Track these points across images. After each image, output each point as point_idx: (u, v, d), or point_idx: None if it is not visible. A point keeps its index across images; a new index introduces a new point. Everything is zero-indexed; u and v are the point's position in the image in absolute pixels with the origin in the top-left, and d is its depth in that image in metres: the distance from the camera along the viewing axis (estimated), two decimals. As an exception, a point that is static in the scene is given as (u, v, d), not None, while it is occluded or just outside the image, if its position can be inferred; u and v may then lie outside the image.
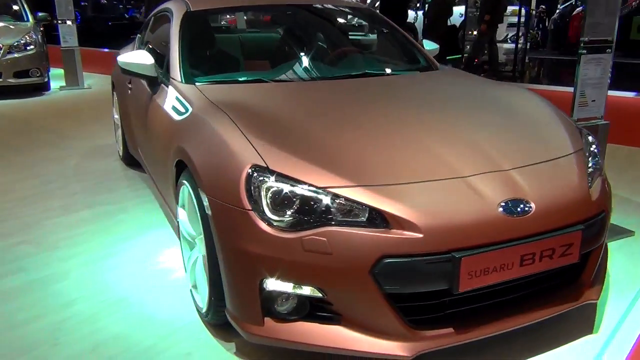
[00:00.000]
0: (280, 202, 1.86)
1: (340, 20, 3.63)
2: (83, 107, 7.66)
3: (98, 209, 3.70)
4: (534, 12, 14.27)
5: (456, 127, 2.28)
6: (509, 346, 2.13)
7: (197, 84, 2.74)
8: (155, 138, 2.91)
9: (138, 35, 4.31)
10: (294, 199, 1.85)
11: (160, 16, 3.78)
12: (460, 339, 1.89)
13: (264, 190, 1.87)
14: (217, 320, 2.21)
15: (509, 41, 12.65)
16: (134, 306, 2.50)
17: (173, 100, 2.70)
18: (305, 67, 3.04)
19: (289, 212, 1.85)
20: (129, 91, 3.78)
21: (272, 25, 3.47)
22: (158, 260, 2.94)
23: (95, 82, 9.63)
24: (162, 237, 3.23)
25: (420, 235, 1.76)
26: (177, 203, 2.50)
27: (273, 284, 1.87)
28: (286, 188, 1.86)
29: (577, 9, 13.34)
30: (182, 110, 2.54)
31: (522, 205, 1.88)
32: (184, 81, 2.79)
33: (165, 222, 3.46)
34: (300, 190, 1.85)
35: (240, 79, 2.82)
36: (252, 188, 1.88)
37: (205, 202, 2.01)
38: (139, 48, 4.06)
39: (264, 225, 1.84)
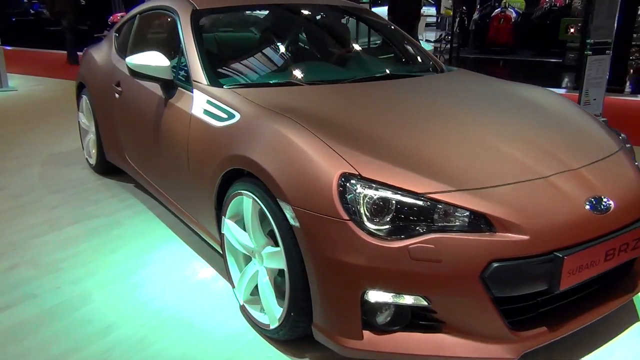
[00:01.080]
0: (378, 210, 1.80)
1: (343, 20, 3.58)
2: (16, 111, 7.02)
3: (88, 224, 3.40)
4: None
5: (513, 128, 2.33)
6: (570, 344, 2.18)
7: (225, 87, 2.60)
8: (176, 145, 2.71)
9: (114, 34, 4.00)
10: (393, 207, 1.80)
11: (151, 15, 3.54)
12: (553, 337, 1.92)
13: (361, 198, 1.80)
14: (291, 336, 2.10)
15: (444, 42, 13.14)
16: (183, 327, 2.32)
17: (204, 105, 2.54)
18: (329, 69, 2.97)
19: (387, 220, 1.79)
20: (117, 95, 3.50)
21: (280, 25, 3.34)
22: (186, 275, 2.76)
23: (20, 84, 8.89)
24: (178, 250, 3.04)
25: (527, 237, 1.78)
26: (224, 215, 2.35)
27: (375, 296, 1.81)
28: (384, 195, 1.81)
29: (496, 10, 14.14)
30: (224, 115, 2.39)
31: (604, 202, 1.95)
32: (209, 84, 2.64)
33: (171, 233, 3.25)
34: (399, 197, 1.81)
35: (270, 82, 2.70)
36: (347, 197, 1.81)
37: (290, 213, 1.90)
38: (122, 48, 3.78)
39: (365, 236, 1.77)
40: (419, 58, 3.37)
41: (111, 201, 3.78)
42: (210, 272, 2.79)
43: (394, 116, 2.32)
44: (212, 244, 2.69)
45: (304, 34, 3.33)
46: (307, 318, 2.01)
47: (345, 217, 1.79)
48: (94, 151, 4.26)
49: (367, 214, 1.80)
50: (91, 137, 4.28)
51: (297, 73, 2.85)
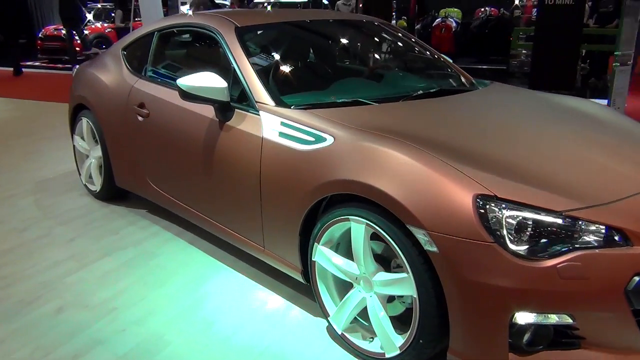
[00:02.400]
0: (520, 230, 1.79)
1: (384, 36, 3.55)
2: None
3: (119, 256, 3.16)
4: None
5: (597, 140, 2.39)
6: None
7: (292, 107, 2.51)
8: (241, 169, 2.57)
9: (122, 52, 3.75)
10: (531, 226, 1.80)
11: (175, 33, 3.35)
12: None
13: (503, 220, 1.79)
14: (411, 363, 2.05)
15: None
16: (283, 363, 2.21)
17: (279, 128, 2.43)
18: (383, 85, 2.94)
19: (526, 240, 1.79)
20: (141, 117, 3.28)
21: (323, 41, 3.27)
22: (255, 306, 2.62)
23: (-40, 104, 8.18)
24: (231, 278, 2.88)
25: None
26: (317, 242, 2.26)
27: (522, 317, 1.79)
28: (525, 215, 1.80)
29: (437, 20, 14.65)
30: (310, 138, 2.29)
31: None
32: (276, 105, 2.54)
33: (213, 260, 3.08)
34: (539, 216, 1.81)
35: (338, 101, 2.62)
36: (488, 219, 1.79)
37: (425, 238, 1.85)
38: (138, 67, 3.56)
39: (512, 257, 1.76)
40: (451, 72, 3.40)
41: (131, 230, 3.54)
42: (278, 301, 2.67)
43: (489, 133, 2.33)
44: (285, 272, 2.57)
45: (345, 50, 3.28)
46: (435, 344, 1.97)
47: (490, 239, 1.77)
48: (97, 177, 3.97)
49: (511, 235, 1.79)
50: (92, 162, 3.99)
51: (357, 91, 2.79)
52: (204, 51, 3.34)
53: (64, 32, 13.03)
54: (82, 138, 4.07)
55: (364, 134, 2.17)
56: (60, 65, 13.21)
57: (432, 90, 2.91)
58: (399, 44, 3.48)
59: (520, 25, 13.60)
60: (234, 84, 2.74)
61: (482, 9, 15.13)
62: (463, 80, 3.29)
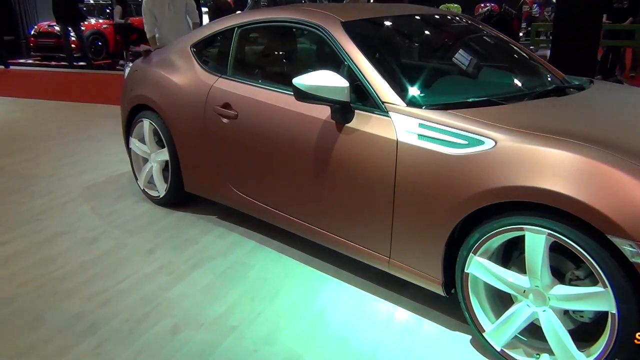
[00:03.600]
0: None
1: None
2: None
3: (212, 268, 2.96)
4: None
5: None
6: None
7: (424, 108, 2.35)
8: (370, 175, 2.39)
9: (192, 49, 3.52)
10: None
11: (257, 29, 3.14)
12: None
13: None
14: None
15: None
16: (446, 384, 2.05)
17: (418, 130, 2.25)
18: (503, 83, 2.80)
19: None
20: (226, 119, 3.08)
21: (429, 36, 3.11)
22: (382, 319, 2.46)
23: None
24: (340, 290, 2.72)
25: None
26: (474, 252, 2.11)
27: None
28: None
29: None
30: (461, 141, 2.13)
31: None
32: (409, 105, 2.38)
33: (313, 270, 2.91)
34: None
35: (469, 100, 2.47)
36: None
37: (632, 250, 1.71)
38: (216, 66, 3.34)
39: None
40: (547, 70, 3.27)
41: (209, 238, 3.33)
42: (404, 313, 2.51)
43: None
44: (417, 284, 2.41)
45: (450, 46, 3.13)
46: (631, 362, 1.85)
47: None
48: (161, 182, 3.75)
49: None
50: (154, 166, 3.76)
51: (472, 90, 2.65)
52: (301, 49, 3.16)
53: (57, 28, 12.59)
54: (142, 141, 3.84)
55: (530, 136, 2.02)
56: (54, 63, 12.77)
57: (550, 89, 2.77)
58: (496, 41, 3.32)
59: (520, 21, 13.61)
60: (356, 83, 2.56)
61: (483, 5, 15.12)
62: (559, 78, 3.17)
